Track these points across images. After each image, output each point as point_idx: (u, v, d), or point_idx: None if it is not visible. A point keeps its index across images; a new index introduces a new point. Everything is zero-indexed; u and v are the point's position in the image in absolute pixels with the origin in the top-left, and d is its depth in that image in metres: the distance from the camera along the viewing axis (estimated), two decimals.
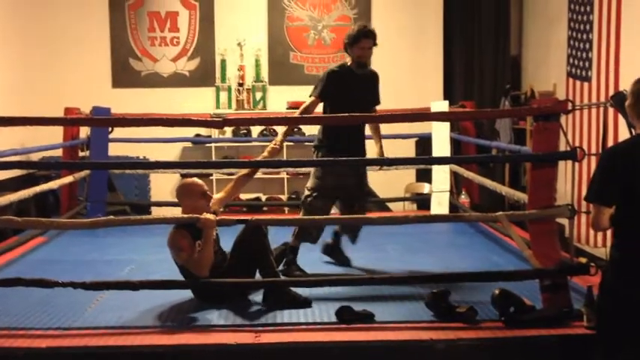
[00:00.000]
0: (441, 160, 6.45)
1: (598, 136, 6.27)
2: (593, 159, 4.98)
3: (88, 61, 8.41)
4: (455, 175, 7.12)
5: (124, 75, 8.50)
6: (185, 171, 7.84)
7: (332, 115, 4.67)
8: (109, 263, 5.11)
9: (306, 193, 4.81)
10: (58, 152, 6.87)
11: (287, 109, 8.32)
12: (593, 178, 2.78)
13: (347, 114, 4.14)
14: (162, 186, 8.26)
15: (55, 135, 6.56)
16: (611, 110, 4.75)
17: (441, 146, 6.86)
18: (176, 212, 4.33)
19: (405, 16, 8.53)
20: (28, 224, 4.79)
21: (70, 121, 5.92)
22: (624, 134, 3.62)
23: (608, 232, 2.87)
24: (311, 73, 8.60)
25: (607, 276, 2.87)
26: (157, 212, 7.65)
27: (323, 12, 8.56)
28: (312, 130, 8.10)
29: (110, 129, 6.77)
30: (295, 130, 8.18)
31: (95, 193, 6.74)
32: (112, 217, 4.44)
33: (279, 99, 8.42)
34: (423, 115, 6.13)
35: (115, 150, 7.10)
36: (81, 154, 6.97)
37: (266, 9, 8.53)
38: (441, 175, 6.95)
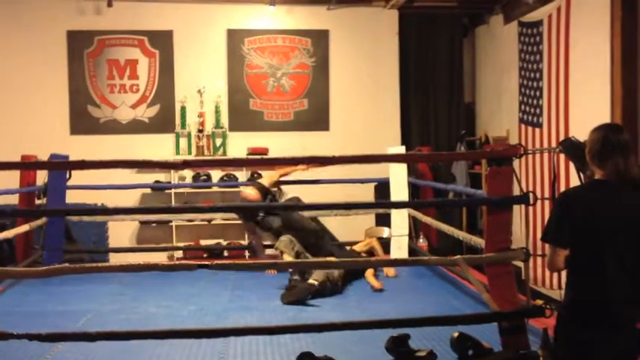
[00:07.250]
0: (400, 205, 6.53)
1: (550, 179, 6.43)
2: (546, 202, 5.11)
3: (45, 108, 8.33)
4: (413, 220, 7.21)
5: (82, 122, 8.44)
6: (144, 217, 7.77)
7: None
8: (65, 313, 4.99)
9: None
10: (14, 200, 6.76)
11: (247, 154, 8.36)
12: (550, 219, 2.84)
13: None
14: (121, 233, 8.15)
15: (11, 183, 6.46)
16: (561, 155, 4.91)
17: (399, 190, 6.95)
18: (135, 259, 4.29)
19: (362, 66, 8.71)
20: None
21: (26, 165, 5.85)
22: (574, 178, 3.75)
23: (563, 274, 2.94)
24: (270, 119, 8.68)
25: (561, 317, 2.93)
26: (115, 259, 7.53)
27: (282, 60, 8.69)
28: None
29: (68, 176, 6.70)
30: None
31: (52, 241, 6.62)
32: (66, 264, 4.36)
33: (239, 145, 8.47)
34: (385, 157, 6.19)
35: (72, 197, 7.00)
36: (37, 201, 6.87)
37: (225, 57, 8.62)
38: (400, 219, 7.02)
